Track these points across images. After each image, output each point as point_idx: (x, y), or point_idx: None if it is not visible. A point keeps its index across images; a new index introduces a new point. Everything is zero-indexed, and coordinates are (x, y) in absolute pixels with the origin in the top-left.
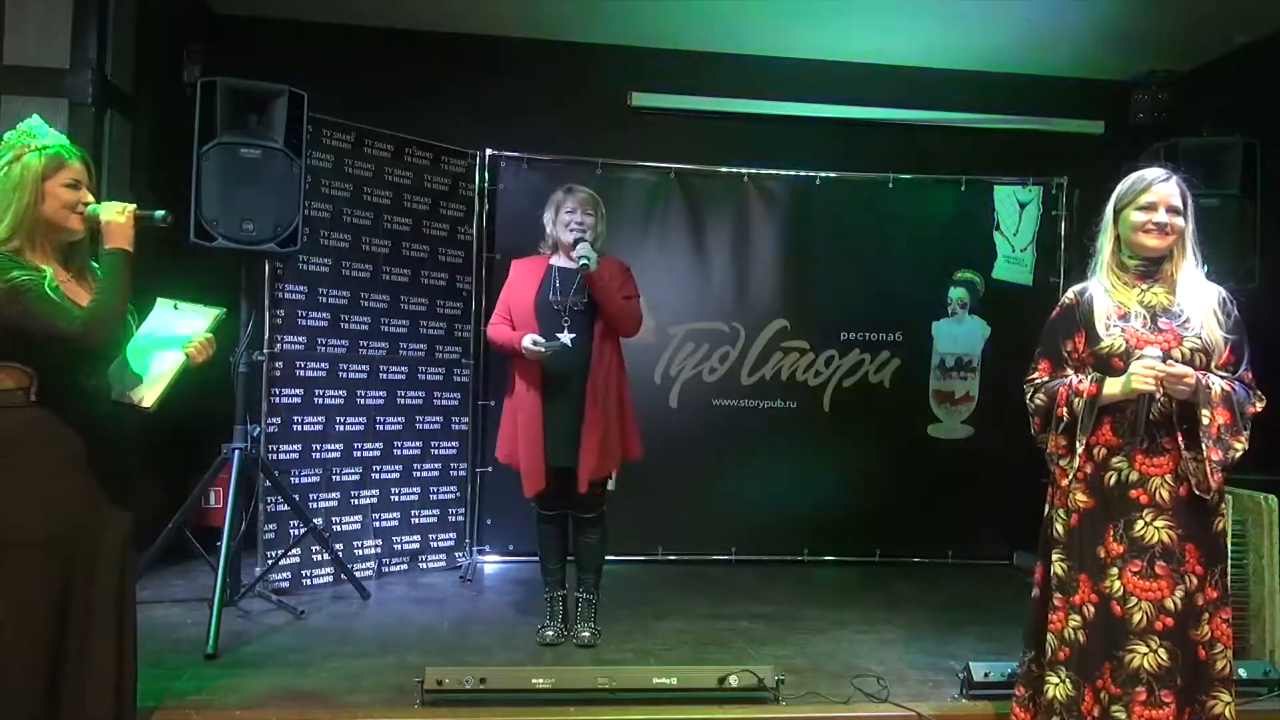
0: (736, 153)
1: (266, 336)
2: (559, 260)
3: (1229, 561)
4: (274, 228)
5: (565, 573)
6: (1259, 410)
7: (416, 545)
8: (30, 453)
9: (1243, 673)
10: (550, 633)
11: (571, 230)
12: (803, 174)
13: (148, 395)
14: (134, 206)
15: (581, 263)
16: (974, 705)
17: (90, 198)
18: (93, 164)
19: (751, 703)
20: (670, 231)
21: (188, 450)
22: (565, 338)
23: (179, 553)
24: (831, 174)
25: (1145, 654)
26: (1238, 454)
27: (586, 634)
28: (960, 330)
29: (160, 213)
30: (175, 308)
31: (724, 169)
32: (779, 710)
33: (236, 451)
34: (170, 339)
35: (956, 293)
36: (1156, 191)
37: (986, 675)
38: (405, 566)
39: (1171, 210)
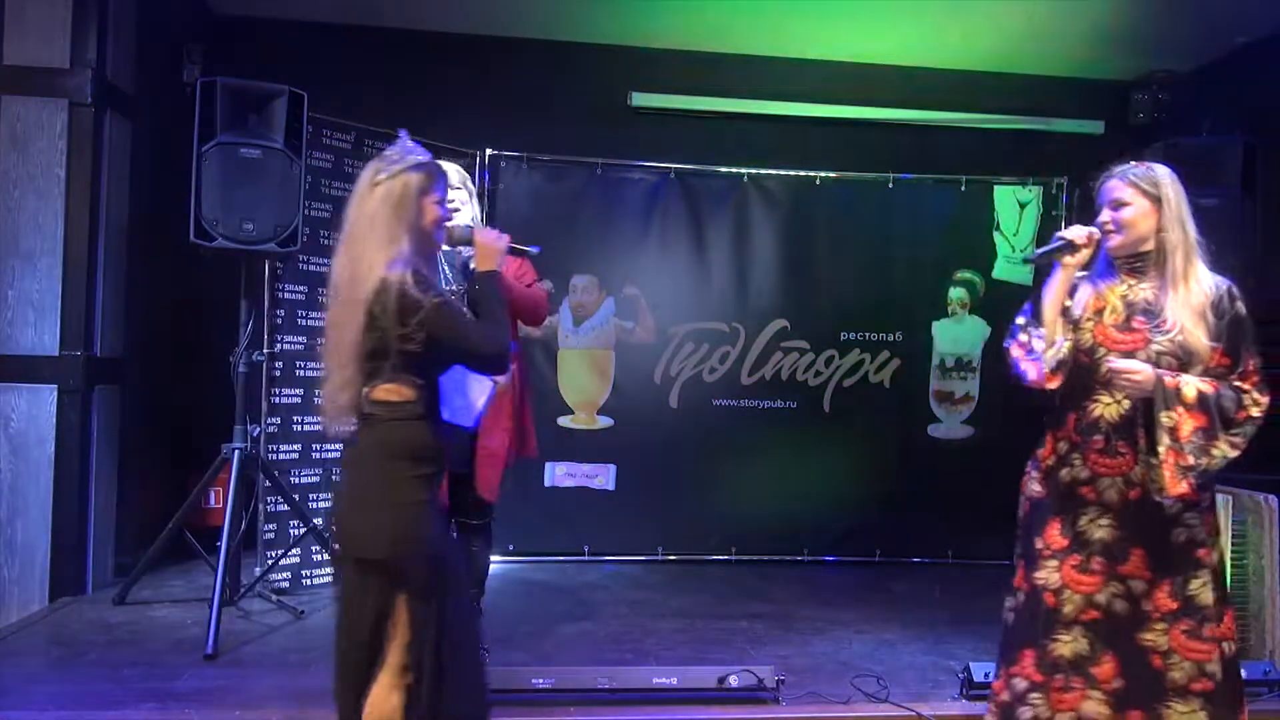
0: (736, 153)
1: (266, 336)
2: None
3: (1196, 574)
4: (274, 228)
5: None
6: (1255, 415)
7: None
8: (428, 465)
9: (1243, 673)
10: None
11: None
12: (803, 174)
13: (468, 416)
14: (509, 236)
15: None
16: (974, 705)
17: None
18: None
19: (751, 703)
20: (670, 231)
21: (188, 450)
22: None
23: (179, 553)
24: (831, 174)
25: (1068, 642)
26: (1217, 461)
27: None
28: (960, 330)
29: (535, 249)
30: None
31: (724, 169)
32: (779, 710)
33: (236, 451)
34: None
35: (956, 293)
36: (1105, 190)
37: (986, 675)
38: None
39: (1115, 205)
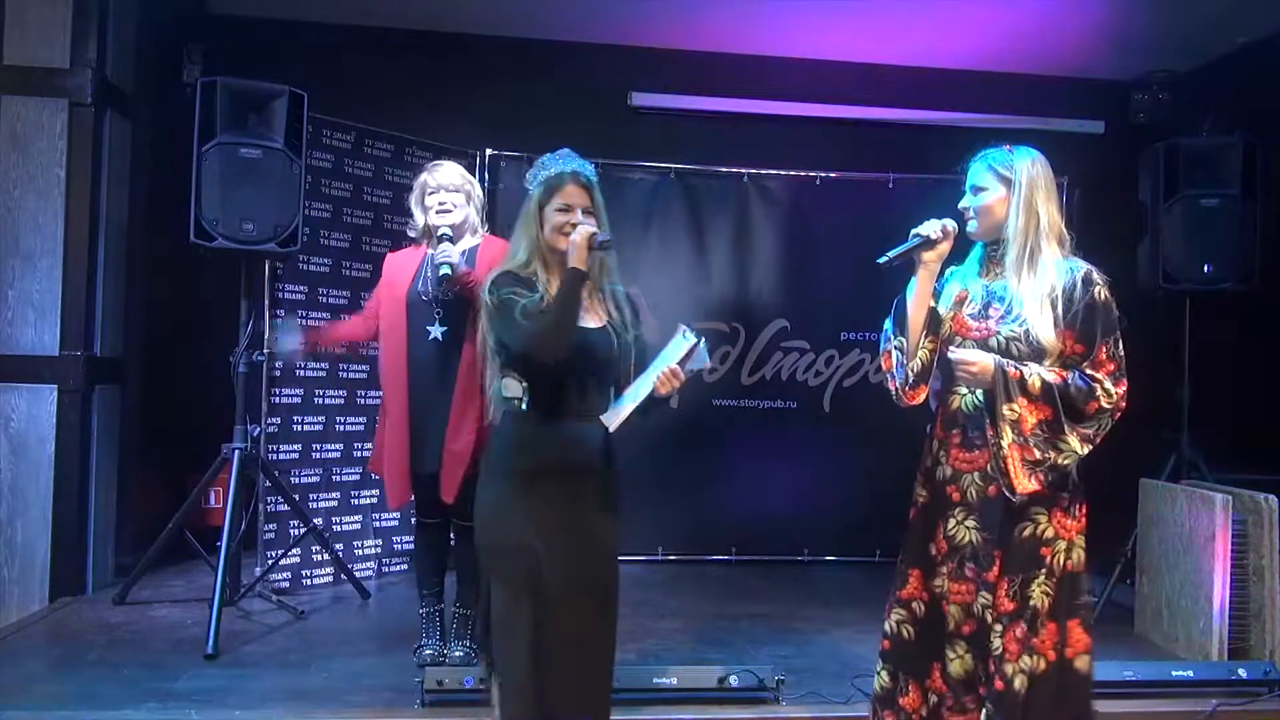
0: (736, 153)
1: (266, 336)
2: (434, 248)
3: (1036, 573)
4: (274, 228)
5: (444, 587)
6: (1106, 406)
7: None
8: (519, 458)
9: (1243, 673)
10: (429, 651)
11: (438, 211)
12: (803, 174)
13: (612, 419)
14: (592, 231)
15: (442, 271)
16: None
17: (579, 218)
18: (592, 187)
19: (751, 703)
20: (670, 231)
21: (188, 450)
22: (435, 331)
23: (179, 553)
24: (831, 174)
25: (955, 659)
26: (1066, 456)
27: (460, 653)
28: None
29: (605, 237)
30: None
31: (724, 169)
32: (779, 710)
33: (236, 451)
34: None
35: None
36: (969, 175)
37: None
38: (405, 566)
39: (974, 190)
